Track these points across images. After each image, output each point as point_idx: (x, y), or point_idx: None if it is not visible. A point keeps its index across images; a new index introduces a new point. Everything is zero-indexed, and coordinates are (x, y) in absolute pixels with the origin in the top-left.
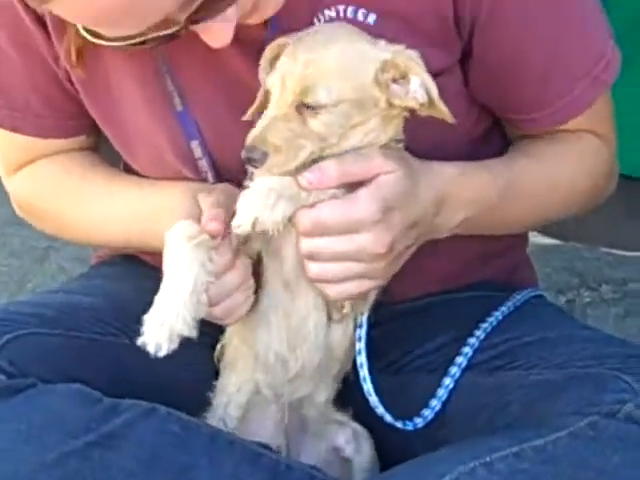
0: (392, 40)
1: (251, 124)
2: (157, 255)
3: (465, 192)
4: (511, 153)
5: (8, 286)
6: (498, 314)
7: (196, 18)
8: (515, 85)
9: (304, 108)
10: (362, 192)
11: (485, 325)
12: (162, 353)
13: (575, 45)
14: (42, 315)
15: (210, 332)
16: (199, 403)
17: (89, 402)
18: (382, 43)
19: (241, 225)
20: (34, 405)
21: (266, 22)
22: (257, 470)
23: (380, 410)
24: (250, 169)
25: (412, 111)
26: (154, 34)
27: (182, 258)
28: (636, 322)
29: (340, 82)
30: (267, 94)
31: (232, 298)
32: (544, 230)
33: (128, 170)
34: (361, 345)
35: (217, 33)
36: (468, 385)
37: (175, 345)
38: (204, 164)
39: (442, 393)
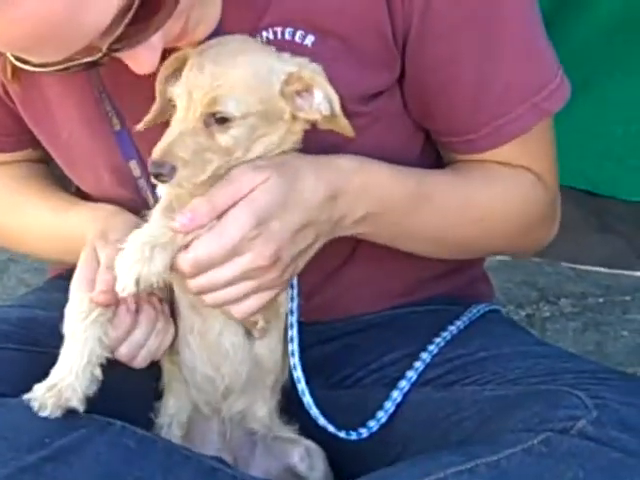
0: (332, 61)
1: None
2: None
3: (365, 186)
4: (429, 170)
5: None
6: (453, 328)
7: (118, 47)
8: (445, 107)
9: (212, 121)
10: (229, 217)
11: (438, 340)
12: (45, 414)
13: (511, 71)
14: None
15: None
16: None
17: (43, 416)
18: (286, 56)
19: (125, 288)
20: None
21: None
22: None
23: (322, 421)
24: (158, 184)
25: (313, 123)
26: (77, 61)
27: (78, 335)
28: (594, 336)
29: (248, 94)
30: (167, 106)
31: (147, 347)
32: None
33: (80, 192)
34: (295, 360)
35: (142, 60)
36: (422, 400)
37: (58, 413)
38: (143, 183)
39: (389, 406)
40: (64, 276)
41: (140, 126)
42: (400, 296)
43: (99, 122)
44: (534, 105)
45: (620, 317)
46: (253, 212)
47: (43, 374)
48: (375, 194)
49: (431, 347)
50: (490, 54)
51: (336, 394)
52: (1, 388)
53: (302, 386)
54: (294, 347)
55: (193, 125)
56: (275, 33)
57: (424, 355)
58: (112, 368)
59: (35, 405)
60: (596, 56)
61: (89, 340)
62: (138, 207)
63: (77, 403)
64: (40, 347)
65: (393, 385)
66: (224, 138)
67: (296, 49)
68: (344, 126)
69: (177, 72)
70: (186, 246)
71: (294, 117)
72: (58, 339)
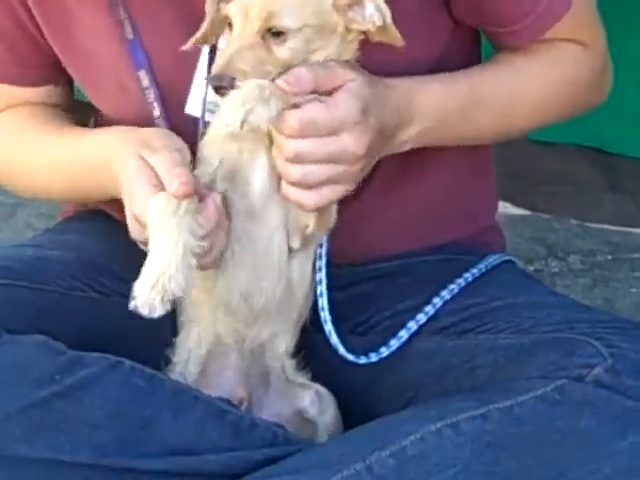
0: None
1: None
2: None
3: (420, 102)
4: (477, 66)
5: None
6: (468, 275)
7: None
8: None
9: (269, 36)
10: (340, 95)
11: (453, 286)
12: (156, 314)
13: None
14: (9, 267)
15: None
16: (162, 359)
17: (54, 354)
18: None
19: (230, 124)
20: None
21: None
22: (221, 425)
23: (334, 340)
24: (219, 99)
25: (365, 35)
26: None
27: (171, 228)
28: (603, 292)
29: (302, 8)
30: (216, 24)
31: (217, 245)
32: (514, 200)
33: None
34: (322, 275)
35: None
36: (435, 347)
37: (168, 307)
38: (151, 94)
39: (403, 334)
40: (75, 217)
41: (188, 45)
42: (414, 239)
43: (113, 29)
44: None
45: (628, 274)
46: (361, 99)
47: (53, 313)
48: (431, 109)
49: (443, 292)
50: None
51: (349, 339)
52: (14, 325)
53: (324, 302)
54: (322, 263)
55: (251, 40)
56: None
57: (435, 300)
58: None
59: (145, 310)
60: (608, 16)
61: (183, 230)
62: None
63: (181, 293)
64: (51, 286)
65: None
66: (281, 50)
67: None
68: (394, 36)
69: None
70: (295, 107)
71: (347, 29)
72: (69, 279)
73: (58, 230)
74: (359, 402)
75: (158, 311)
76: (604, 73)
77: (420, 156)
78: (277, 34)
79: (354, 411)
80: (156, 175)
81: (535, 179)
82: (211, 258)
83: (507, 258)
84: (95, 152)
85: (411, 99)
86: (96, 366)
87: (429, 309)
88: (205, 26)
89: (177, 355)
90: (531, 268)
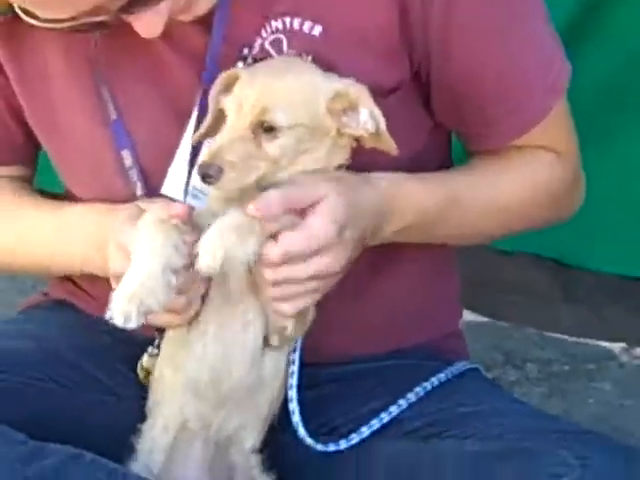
0: (337, 51)
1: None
2: (92, 302)
3: (400, 202)
4: (452, 169)
5: None
6: (434, 380)
7: (128, 9)
8: (474, 97)
9: (260, 131)
10: (315, 219)
11: (418, 389)
12: (131, 325)
13: (528, 54)
14: None
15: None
16: (123, 452)
17: (13, 443)
18: (334, 76)
19: (209, 267)
20: None
21: (208, 32)
22: None
23: (301, 431)
24: (204, 186)
25: (358, 141)
26: (85, 20)
27: (155, 239)
28: (560, 403)
29: (296, 107)
30: (218, 119)
31: (195, 289)
32: (473, 307)
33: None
34: (294, 367)
35: (148, 24)
36: (401, 451)
37: (143, 320)
38: (134, 174)
39: (364, 429)
40: (38, 307)
41: (194, 139)
42: (380, 342)
43: (97, 110)
44: (550, 86)
45: (586, 384)
46: (334, 219)
47: (12, 403)
48: (412, 208)
49: (409, 395)
50: (511, 34)
51: (313, 438)
52: None
53: (293, 393)
54: (295, 356)
55: (242, 133)
56: (284, 23)
57: (401, 401)
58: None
59: (120, 319)
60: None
61: (167, 246)
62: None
63: (157, 307)
64: (10, 376)
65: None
66: (271, 147)
67: (304, 39)
68: (388, 144)
69: (228, 88)
70: (273, 238)
71: (340, 133)
72: (29, 370)
73: (19, 320)
74: None
75: (133, 322)
76: (576, 183)
77: (389, 261)
78: (269, 130)
79: None
80: None
81: (495, 287)
82: (186, 314)
83: (472, 366)
84: (79, 220)
85: (390, 198)
86: (57, 457)
87: (393, 409)
88: (208, 120)
89: (142, 442)
90: (489, 376)
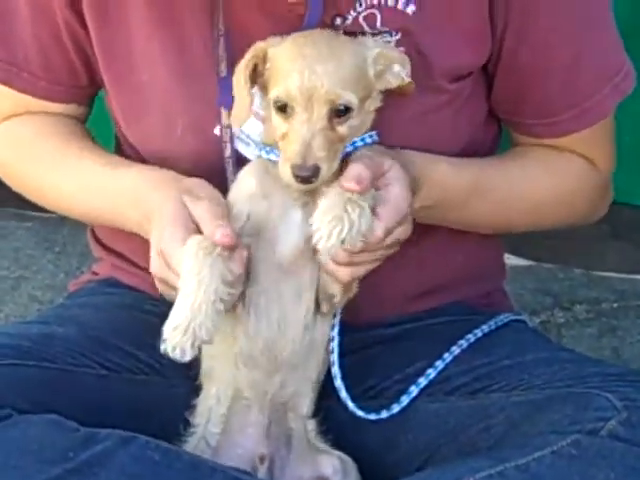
0: (428, 30)
1: None
2: (139, 274)
3: (427, 180)
4: (487, 159)
5: None
6: (477, 331)
7: None
8: (540, 87)
9: (333, 116)
10: (395, 188)
11: (461, 342)
12: (187, 358)
13: (600, 50)
14: (17, 346)
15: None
16: (176, 431)
17: (66, 431)
18: (363, 39)
19: (332, 246)
20: (11, 435)
21: (306, 6)
22: None
23: (343, 395)
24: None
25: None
26: None
27: (203, 271)
28: (611, 342)
29: (357, 84)
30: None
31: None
32: (517, 251)
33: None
34: (334, 332)
35: None
36: (448, 408)
37: (196, 352)
38: (227, 134)
39: (413, 389)
40: (83, 290)
41: (235, 125)
42: (422, 301)
43: (197, 66)
44: (616, 86)
45: (635, 322)
46: (408, 187)
47: (61, 391)
48: (437, 189)
49: (453, 348)
50: (586, 27)
51: (361, 402)
52: (23, 405)
53: (335, 356)
54: (336, 321)
55: (321, 123)
56: None
57: (445, 355)
58: (128, 385)
59: (177, 353)
60: None
61: (215, 277)
62: (200, 161)
63: (209, 339)
64: (57, 363)
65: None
66: (343, 128)
67: (397, 16)
68: (409, 85)
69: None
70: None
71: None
72: (76, 356)
73: (66, 305)
74: (378, 466)
75: (188, 355)
76: (604, 196)
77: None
78: (341, 113)
79: (374, 475)
80: (192, 220)
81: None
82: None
83: (516, 317)
84: (132, 187)
85: (420, 175)
86: (110, 441)
87: (438, 364)
88: (244, 105)
89: (197, 416)
90: (537, 320)
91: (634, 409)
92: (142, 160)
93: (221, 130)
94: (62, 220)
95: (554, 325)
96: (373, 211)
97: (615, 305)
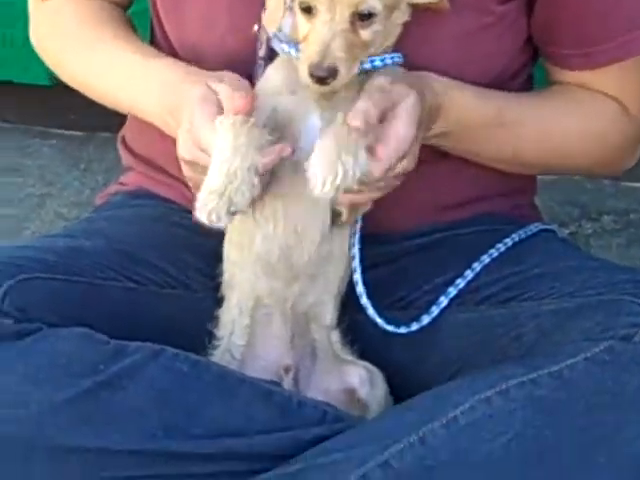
0: None
1: None
2: (168, 182)
3: (448, 108)
4: (517, 94)
5: (5, 234)
6: (508, 241)
7: None
8: (577, 16)
9: (356, 19)
10: (399, 124)
11: (492, 251)
12: (221, 223)
13: None
14: (44, 260)
15: (210, 273)
16: (203, 344)
17: (96, 344)
18: None
19: (326, 192)
20: (41, 348)
21: None
22: (269, 407)
23: (371, 312)
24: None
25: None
26: None
27: (239, 138)
28: (639, 252)
29: None
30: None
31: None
32: None
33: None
34: (355, 250)
35: None
36: (479, 318)
37: (231, 220)
38: (264, 34)
39: (442, 299)
40: (110, 203)
41: (269, 27)
42: (450, 211)
43: None
44: None
45: None
46: (416, 121)
47: (90, 304)
48: (455, 116)
49: (483, 257)
50: None
51: (391, 314)
52: (52, 318)
53: (356, 263)
54: (357, 228)
55: (342, 25)
56: None
57: (474, 264)
58: (157, 298)
59: (212, 216)
60: None
61: (251, 145)
62: (235, 60)
63: (245, 207)
64: (85, 277)
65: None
66: (366, 33)
67: None
68: (444, 3)
69: None
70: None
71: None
72: (103, 269)
73: (92, 219)
74: (407, 378)
75: (223, 221)
76: (634, 146)
77: None
78: (365, 17)
79: (402, 387)
80: (220, 102)
81: None
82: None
83: (546, 227)
84: (160, 78)
85: (438, 103)
86: (139, 354)
87: (468, 273)
88: (280, 8)
89: (221, 328)
90: (565, 231)
91: None
92: (175, 55)
93: (259, 29)
94: (87, 137)
95: (582, 236)
96: (372, 149)
97: None
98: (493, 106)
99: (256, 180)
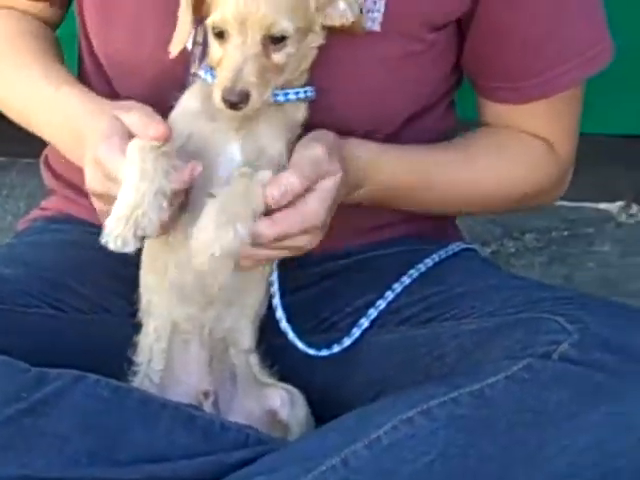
0: None
1: None
2: (87, 209)
3: (374, 174)
4: (439, 145)
5: None
6: (428, 261)
7: None
8: (510, 47)
9: (268, 42)
10: (314, 201)
11: (412, 271)
12: (128, 248)
13: (575, 21)
14: None
15: (130, 298)
16: (123, 369)
17: (17, 372)
18: None
19: (202, 264)
20: None
21: None
22: (191, 431)
23: (291, 336)
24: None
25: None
26: None
27: (147, 163)
28: (561, 269)
29: (295, 12)
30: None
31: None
32: None
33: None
34: (274, 277)
35: None
36: (400, 338)
37: (139, 244)
38: (199, 50)
39: (363, 321)
40: (30, 229)
41: (173, 49)
42: (369, 233)
43: None
44: (589, 60)
45: (585, 249)
46: (332, 202)
47: (10, 332)
48: (382, 183)
49: (403, 278)
50: (564, 3)
51: (312, 338)
52: None
53: (275, 288)
54: (274, 265)
55: (254, 49)
56: None
57: (395, 285)
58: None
59: (118, 242)
60: None
61: (159, 171)
62: (167, 78)
63: (152, 231)
64: (6, 304)
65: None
66: (279, 56)
67: None
68: (361, 26)
69: None
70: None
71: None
72: (23, 296)
73: (11, 245)
74: (330, 399)
75: (130, 246)
76: (563, 181)
77: None
78: (277, 40)
79: (326, 408)
80: (127, 131)
81: None
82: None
83: (467, 246)
84: (70, 111)
85: (367, 168)
86: (61, 381)
87: (388, 294)
88: (186, 31)
89: (139, 354)
90: (487, 250)
91: (585, 331)
92: (102, 73)
93: (193, 46)
94: (10, 163)
95: (504, 255)
96: (271, 212)
97: (565, 233)
98: (421, 171)
99: (165, 204)
